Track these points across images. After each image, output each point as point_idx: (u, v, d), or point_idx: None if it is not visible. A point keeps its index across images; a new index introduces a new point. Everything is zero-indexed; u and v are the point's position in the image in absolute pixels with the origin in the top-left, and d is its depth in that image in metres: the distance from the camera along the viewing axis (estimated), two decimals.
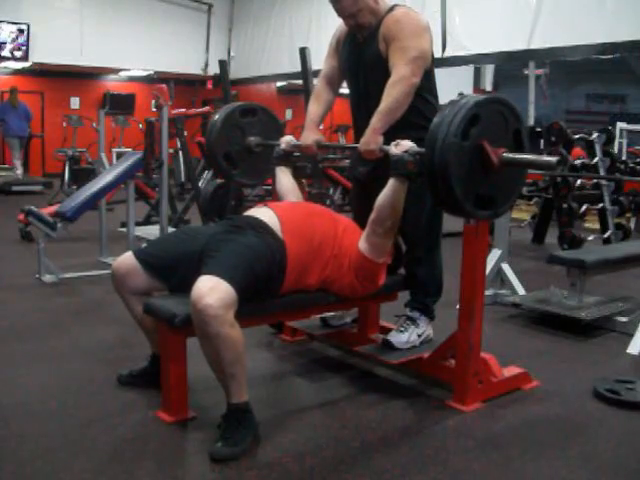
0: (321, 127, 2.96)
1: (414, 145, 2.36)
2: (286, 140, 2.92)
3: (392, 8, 2.63)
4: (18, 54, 10.15)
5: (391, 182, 2.37)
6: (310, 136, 2.84)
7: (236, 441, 2.10)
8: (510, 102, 2.34)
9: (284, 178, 2.89)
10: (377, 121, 2.52)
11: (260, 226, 2.37)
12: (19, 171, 10.14)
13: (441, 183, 2.17)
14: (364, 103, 2.72)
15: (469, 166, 2.19)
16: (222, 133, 3.13)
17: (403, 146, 2.36)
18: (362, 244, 2.47)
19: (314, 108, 2.91)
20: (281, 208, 2.52)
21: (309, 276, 2.42)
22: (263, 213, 2.46)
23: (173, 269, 2.36)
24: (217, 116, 3.18)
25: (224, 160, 3.16)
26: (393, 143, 2.40)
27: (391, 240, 2.51)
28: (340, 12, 2.63)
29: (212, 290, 2.03)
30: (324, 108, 2.92)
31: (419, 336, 2.77)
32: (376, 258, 2.47)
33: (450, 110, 2.18)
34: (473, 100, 2.20)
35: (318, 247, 2.42)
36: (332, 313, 2.97)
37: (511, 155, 2.24)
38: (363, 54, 2.67)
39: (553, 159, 2.21)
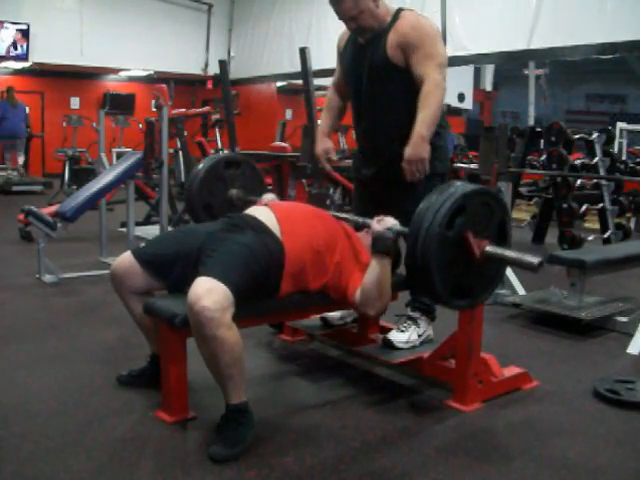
0: None
1: (397, 222, 2.35)
2: (268, 198, 2.85)
3: (398, 12, 2.63)
4: (18, 54, 10.15)
5: (373, 262, 2.35)
6: (319, 146, 2.93)
7: (236, 441, 2.10)
8: (497, 194, 2.36)
9: None
10: (424, 130, 2.52)
11: (258, 225, 2.36)
12: (9, 169, 10.07)
13: (421, 272, 2.15)
14: (368, 106, 2.73)
15: (451, 256, 2.16)
16: (204, 184, 3.12)
17: (385, 223, 2.35)
18: (357, 304, 2.42)
19: (324, 119, 2.99)
20: (280, 209, 2.50)
21: (309, 280, 2.41)
22: (262, 213, 2.45)
23: (171, 267, 2.36)
24: (201, 166, 3.18)
25: (203, 211, 3.13)
26: (376, 218, 2.39)
27: (387, 305, 2.45)
28: (341, 15, 2.62)
29: (209, 292, 2.02)
30: (334, 117, 2.99)
31: (419, 336, 2.77)
32: None
33: (437, 198, 2.16)
34: (461, 190, 2.17)
35: (317, 250, 2.41)
36: (332, 313, 2.97)
37: (493, 250, 2.19)
38: (367, 57, 2.67)
39: (535, 261, 2.11)
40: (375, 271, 2.35)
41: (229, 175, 3.19)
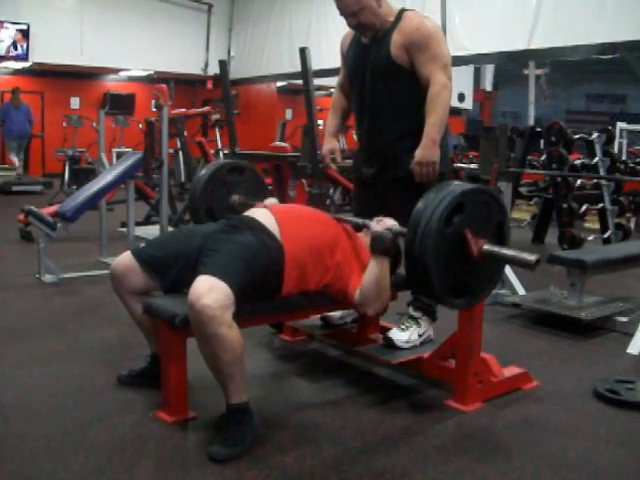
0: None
1: (396, 223, 2.36)
2: (270, 202, 2.86)
3: (401, 12, 2.64)
4: (18, 54, 10.14)
5: (372, 263, 2.36)
6: (325, 146, 2.95)
7: (236, 441, 2.10)
8: (496, 194, 2.33)
9: None
10: (434, 133, 2.56)
11: (257, 226, 2.37)
12: (17, 165, 10.08)
13: (419, 268, 2.13)
14: (370, 105, 2.72)
15: (449, 254, 2.15)
16: (207, 188, 3.12)
17: (384, 223, 2.36)
18: (357, 304, 2.43)
19: (330, 119, 3.01)
20: (280, 211, 2.50)
21: (309, 280, 2.41)
22: (261, 215, 2.45)
23: (170, 268, 2.36)
24: (204, 171, 3.20)
25: (205, 215, 3.13)
26: (376, 219, 2.40)
27: (386, 304, 2.46)
28: (342, 10, 2.64)
29: (210, 291, 2.03)
30: (340, 117, 3.00)
31: (420, 336, 2.77)
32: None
33: (435, 196, 2.15)
34: (460, 188, 2.17)
35: (317, 251, 2.41)
36: (332, 313, 2.97)
37: (491, 248, 2.18)
38: (370, 57, 2.67)
39: (533, 258, 2.11)
40: (374, 271, 2.35)
41: (232, 181, 3.19)
